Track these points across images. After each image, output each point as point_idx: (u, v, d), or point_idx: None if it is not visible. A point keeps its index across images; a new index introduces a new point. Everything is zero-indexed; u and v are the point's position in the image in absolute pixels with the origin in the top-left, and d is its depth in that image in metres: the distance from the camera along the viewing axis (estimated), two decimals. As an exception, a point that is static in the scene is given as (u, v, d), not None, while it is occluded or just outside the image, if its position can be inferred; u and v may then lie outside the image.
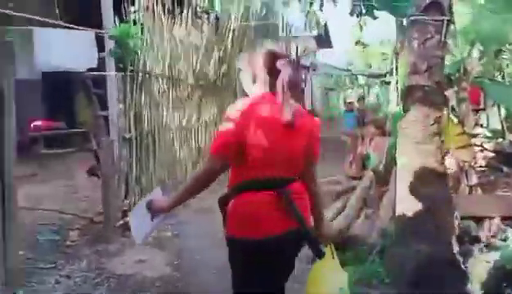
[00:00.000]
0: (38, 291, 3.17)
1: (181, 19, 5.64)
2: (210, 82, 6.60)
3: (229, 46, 7.16)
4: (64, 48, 6.86)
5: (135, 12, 4.90)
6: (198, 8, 6.57)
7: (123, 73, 4.40)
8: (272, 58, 1.97)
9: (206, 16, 6.71)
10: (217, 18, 7.39)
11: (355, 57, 22.94)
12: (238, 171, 1.93)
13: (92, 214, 4.73)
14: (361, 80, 19.78)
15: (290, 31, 11.99)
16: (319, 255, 2.00)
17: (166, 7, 5.26)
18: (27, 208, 5.10)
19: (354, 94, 18.14)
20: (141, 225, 2.05)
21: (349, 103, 11.50)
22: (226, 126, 1.89)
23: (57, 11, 6.43)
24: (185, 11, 5.75)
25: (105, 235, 4.18)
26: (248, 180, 1.91)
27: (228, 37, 7.22)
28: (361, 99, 11.81)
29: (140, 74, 4.65)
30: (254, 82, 2.01)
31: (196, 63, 6.04)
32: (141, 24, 4.79)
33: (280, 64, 1.95)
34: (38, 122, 8.53)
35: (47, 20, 6.22)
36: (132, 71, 4.53)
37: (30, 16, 6.23)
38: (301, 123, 1.94)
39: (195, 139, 6.04)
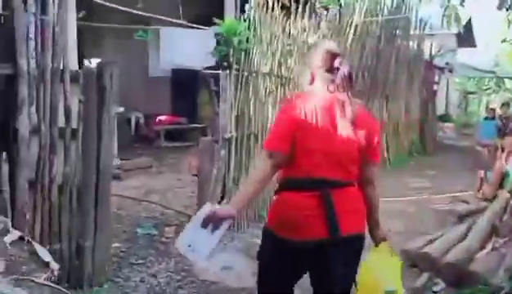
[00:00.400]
0: (122, 287, 3.19)
1: (296, 15, 5.37)
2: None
3: (349, 44, 6.69)
4: (185, 47, 7.16)
5: (249, 10, 4.80)
6: (317, 4, 6.23)
7: (227, 72, 4.28)
8: (330, 56, 1.98)
9: (325, 13, 6.34)
10: (339, 13, 6.96)
11: (502, 57, 20.35)
12: (286, 167, 1.93)
13: (191, 211, 4.73)
14: (508, 84, 17.45)
15: (424, 28, 10.88)
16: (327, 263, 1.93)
17: (280, 3, 5.05)
18: (134, 199, 5.35)
19: (498, 99, 16.15)
20: (201, 245, 1.92)
21: (491, 109, 10.30)
22: (281, 120, 1.95)
23: (180, 10, 6.68)
24: (300, 7, 5.45)
25: (199, 235, 4.11)
26: (291, 178, 1.92)
27: (349, 34, 6.75)
28: (506, 105, 10.43)
29: (245, 73, 4.50)
30: (313, 80, 2.02)
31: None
32: (254, 21, 4.67)
33: (338, 62, 1.96)
34: (162, 117, 9.03)
35: (169, 19, 6.48)
36: (238, 69, 4.40)
37: (155, 16, 6.59)
38: (360, 123, 1.92)
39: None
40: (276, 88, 5.06)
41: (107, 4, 6.19)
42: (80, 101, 3.06)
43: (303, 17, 5.46)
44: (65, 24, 2.91)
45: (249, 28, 4.48)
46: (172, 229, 4.37)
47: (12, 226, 2.65)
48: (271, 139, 1.97)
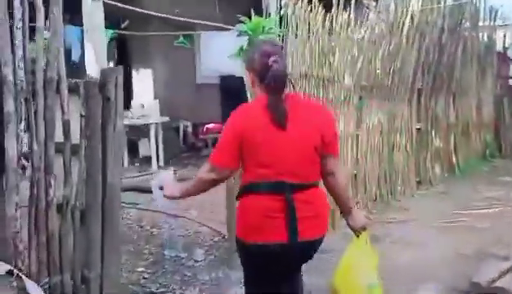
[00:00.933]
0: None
1: (338, 8, 4.80)
2: (377, 81, 5.56)
3: (404, 38, 5.96)
4: (225, 51, 6.79)
5: (284, 5, 4.36)
6: (365, -6, 5.61)
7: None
8: (265, 56, 1.89)
9: (374, 4, 5.69)
10: (393, 2, 6.23)
11: None
12: (244, 174, 1.94)
13: (226, 229, 4.31)
14: None
15: (495, 18, 9.74)
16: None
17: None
18: (169, 214, 5.02)
19: None
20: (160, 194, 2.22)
21: None
22: (227, 135, 1.90)
23: (217, 10, 6.34)
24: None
25: (229, 258, 3.69)
26: (252, 183, 1.90)
27: (404, 25, 6.01)
28: None
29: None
30: (253, 83, 1.97)
31: (357, 60, 5.10)
32: (287, 16, 4.22)
33: (271, 60, 1.86)
34: (210, 125, 8.74)
35: (206, 22, 6.15)
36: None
37: (191, 20, 6.30)
38: (312, 119, 1.90)
39: (352, 147, 5.09)
40: (316, 90, 4.52)
41: (150, 12, 6.03)
42: (81, 115, 2.74)
43: (346, 9, 4.88)
44: (58, 29, 2.60)
45: (280, 25, 4.00)
46: (203, 250, 3.98)
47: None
48: (217, 154, 1.93)
